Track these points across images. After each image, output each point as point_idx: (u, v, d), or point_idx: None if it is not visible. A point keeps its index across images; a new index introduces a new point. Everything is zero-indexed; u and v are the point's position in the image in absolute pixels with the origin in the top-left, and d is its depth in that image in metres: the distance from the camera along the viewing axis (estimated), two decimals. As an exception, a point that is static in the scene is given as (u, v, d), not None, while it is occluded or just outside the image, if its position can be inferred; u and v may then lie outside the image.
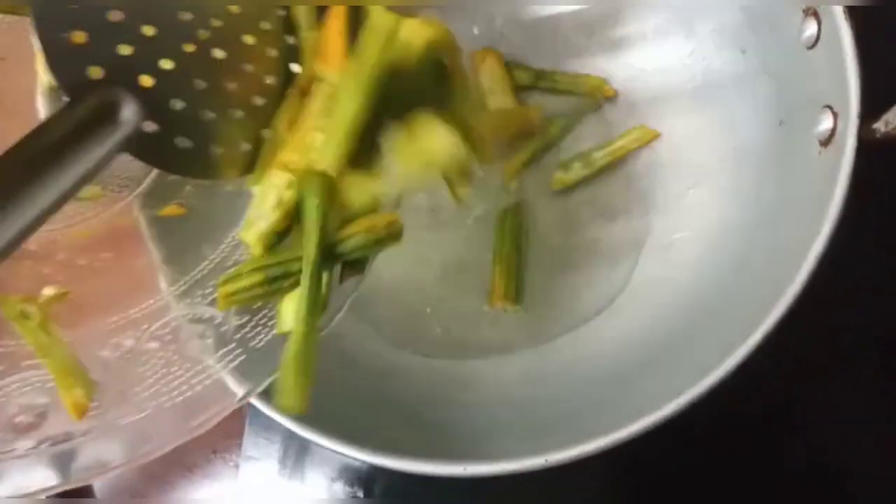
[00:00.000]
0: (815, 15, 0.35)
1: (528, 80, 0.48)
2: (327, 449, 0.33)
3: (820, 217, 0.31)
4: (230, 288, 0.29)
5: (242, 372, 0.30)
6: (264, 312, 0.31)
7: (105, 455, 0.28)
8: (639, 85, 0.47)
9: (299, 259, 0.28)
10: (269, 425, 0.52)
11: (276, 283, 0.29)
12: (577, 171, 0.46)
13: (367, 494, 0.49)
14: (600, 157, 0.46)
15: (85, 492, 0.55)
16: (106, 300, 0.33)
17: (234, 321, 0.31)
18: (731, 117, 0.43)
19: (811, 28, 0.35)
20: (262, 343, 0.30)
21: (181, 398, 0.30)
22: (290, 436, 0.51)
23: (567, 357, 0.43)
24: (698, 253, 0.42)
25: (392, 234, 0.29)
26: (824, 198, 0.32)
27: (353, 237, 0.29)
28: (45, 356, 0.30)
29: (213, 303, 0.31)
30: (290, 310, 0.29)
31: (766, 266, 0.35)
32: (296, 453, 0.51)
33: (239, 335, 0.31)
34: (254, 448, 0.52)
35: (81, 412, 0.29)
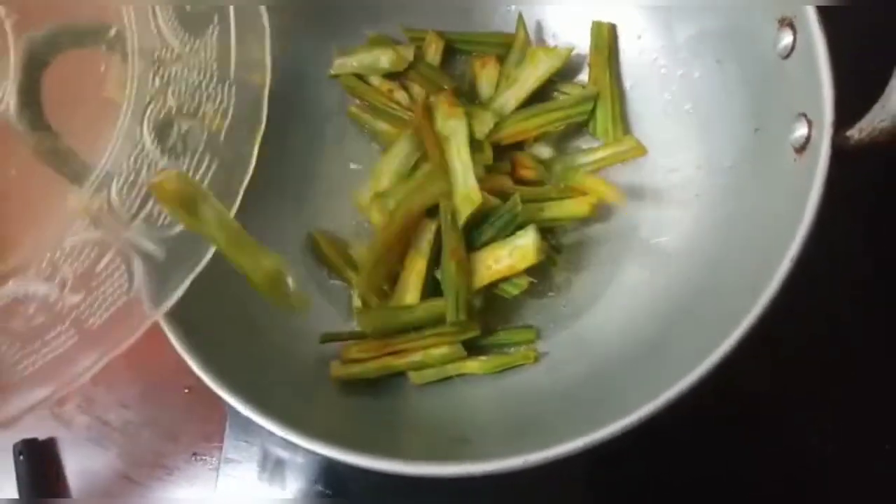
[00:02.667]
0: (791, 25, 0.35)
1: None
2: (306, 450, 0.33)
3: (795, 222, 0.32)
4: None
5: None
6: (105, 287, 0.32)
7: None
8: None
9: None
10: (249, 428, 0.51)
11: None
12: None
13: (346, 496, 0.49)
14: (585, 166, 0.47)
15: (61, 493, 0.55)
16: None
17: (70, 299, 0.31)
18: (707, 125, 0.43)
19: (787, 38, 0.36)
20: (98, 322, 0.31)
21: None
22: (271, 436, 0.51)
23: (545, 359, 0.43)
24: (676, 257, 0.42)
25: None
26: (799, 203, 0.32)
27: None
28: None
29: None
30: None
31: (743, 270, 0.36)
32: (276, 454, 0.51)
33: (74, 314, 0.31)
34: (234, 451, 0.51)
35: None
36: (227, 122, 0.34)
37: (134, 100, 0.33)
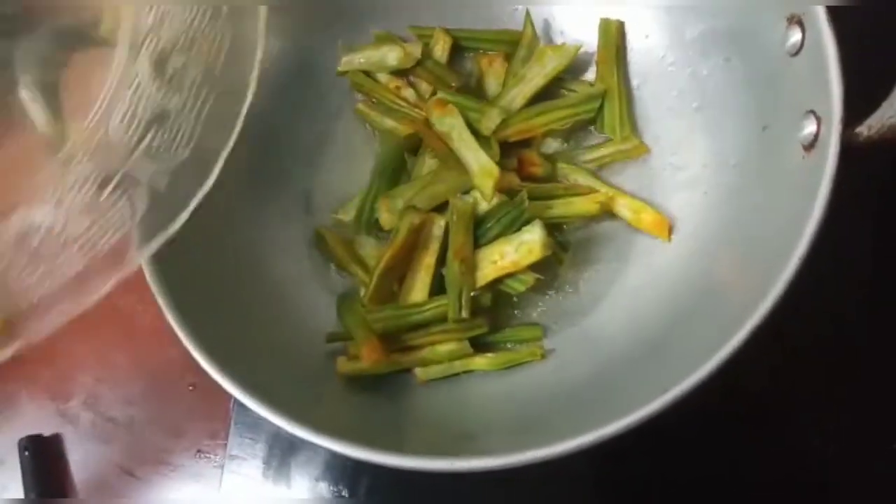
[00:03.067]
0: (800, 23, 0.35)
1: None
2: (314, 444, 0.33)
3: (803, 220, 0.32)
4: None
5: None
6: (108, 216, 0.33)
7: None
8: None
9: None
10: (254, 425, 0.51)
11: None
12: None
13: (351, 493, 0.49)
14: (588, 163, 0.47)
15: (65, 489, 0.55)
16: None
17: (75, 228, 0.33)
18: (715, 122, 0.43)
19: (795, 36, 0.36)
20: (104, 249, 0.32)
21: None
22: (276, 435, 0.51)
23: (551, 356, 0.43)
24: (683, 255, 0.42)
25: None
26: (807, 201, 0.32)
27: None
28: None
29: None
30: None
31: (750, 268, 0.36)
32: (281, 453, 0.51)
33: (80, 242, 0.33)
34: (238, 448, 0.51)
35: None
36: (223, 54, 0.35)
37: (129, 36, 0.34)
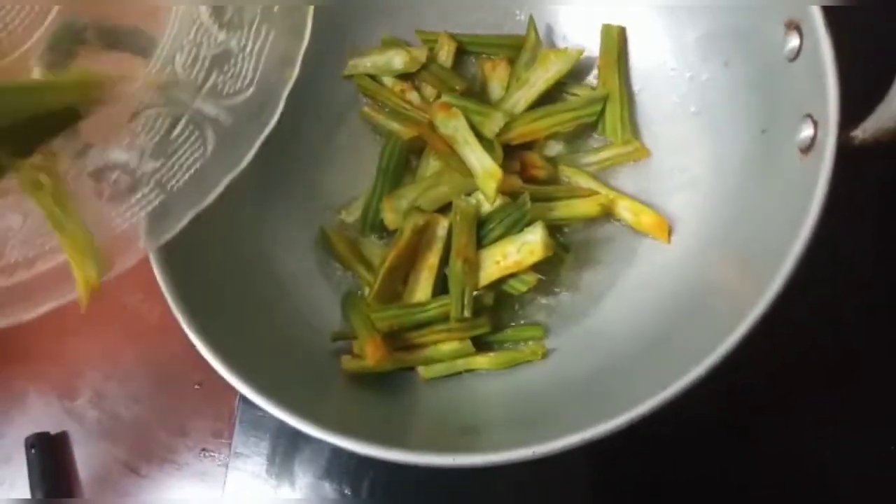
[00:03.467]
0: (798, 29, 0.36)
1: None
2: (319, 440, 0.34)
3: (800, 221, 0.33)
4: None
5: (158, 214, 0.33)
6: (180, 153, 0.34)
7: None
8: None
9: None
10: (258, 423, 0.52)
11: None
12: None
13: (354, 491, 0.50)
14: (590, 166, 0.47)
15: (71, 486, 0.55)
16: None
17: (150, 165, 0.34)
18: (715, 126, 0.44)
19: (793, 41, 0.36)
20: (179, 184, 0.34)
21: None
22: (279, 433, 0.51)
23: (553, 355, 0.43)
24: (682, 256, 0.43)
25: None
26: (804, 203, 0.33)
27: None
28: (59, 230, 0.31)
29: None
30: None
31: (749, 269, 0.36)
32: (284, 450, 0.51)
33: (156, 177, 0.34)
34: (243, 446, 0.52)
35: (91, 289, 0.31)
36: None
37: None
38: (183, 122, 0.35)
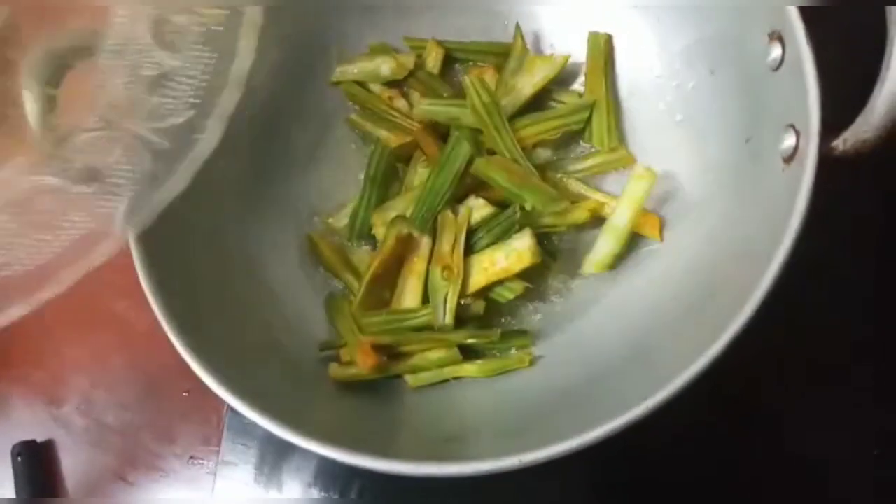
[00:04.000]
0: (780, 39, 0.36)
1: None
2: (306, 450, 0.34)
3: (783, 228, 0.33)
4: None
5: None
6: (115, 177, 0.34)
7: None
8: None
9: None
10: (246, 431, 0.52)
11: None
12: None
13: (343, 498, 0.50)
14: (577, 173, 0.48)
15: (58, 495, 0.55)
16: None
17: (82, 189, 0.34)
18: (700, 134, 0.44)
19: (776, 51, 0.37)
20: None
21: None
22: (268, 441, 0.51)
23: (540, 362, 0.43)
24: (669, 262, 0.43)
25: None
26: (787, 210, 0.33)
27: None
28: None
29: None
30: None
31: (735, 275, 0.37)
32: (273, 458, 0.51)
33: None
34: (231, 454, 0.52)
35: None
36: (224, 14, 0.35)
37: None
38: (119, 145, 0.34)
